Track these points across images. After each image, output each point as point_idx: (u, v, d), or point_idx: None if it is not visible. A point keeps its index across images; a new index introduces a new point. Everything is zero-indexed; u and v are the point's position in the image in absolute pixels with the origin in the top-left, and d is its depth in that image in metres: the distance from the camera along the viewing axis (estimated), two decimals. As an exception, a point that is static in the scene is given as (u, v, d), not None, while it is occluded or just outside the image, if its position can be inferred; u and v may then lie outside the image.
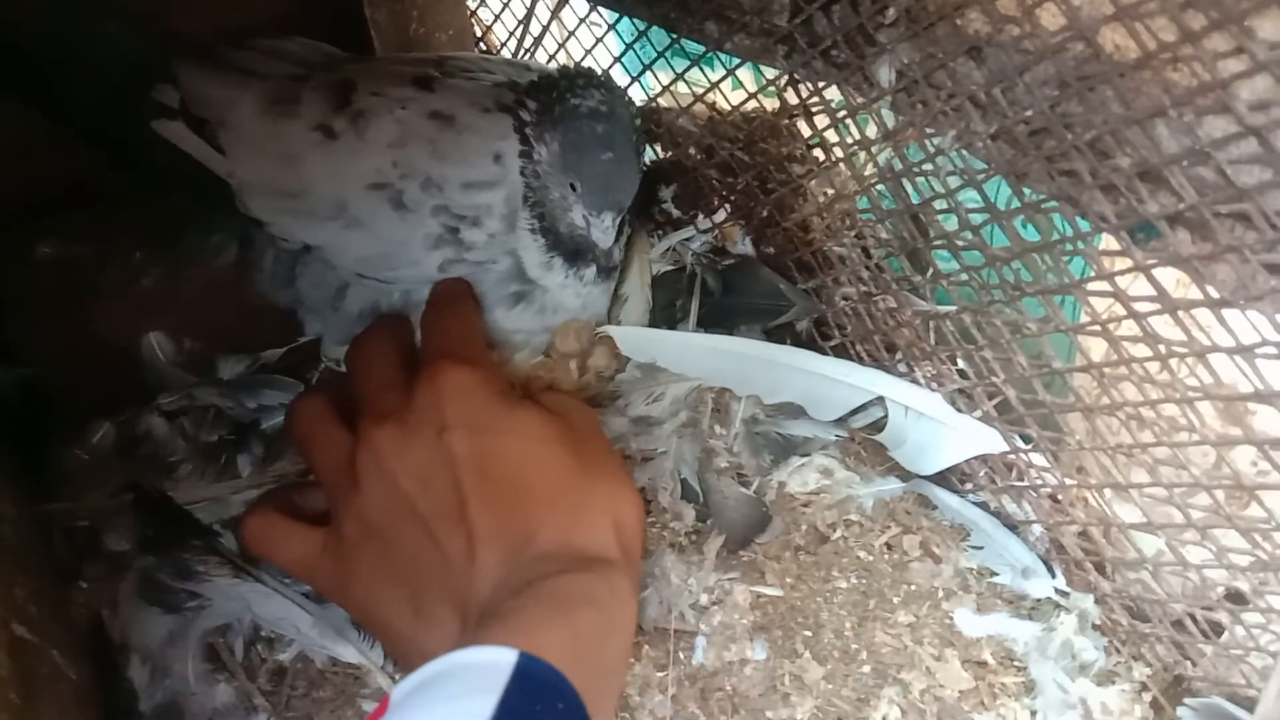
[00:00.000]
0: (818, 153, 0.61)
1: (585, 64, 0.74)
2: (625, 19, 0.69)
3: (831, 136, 0.58)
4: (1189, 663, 0.53)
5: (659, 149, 0.72)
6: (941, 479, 0.61)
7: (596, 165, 0.53)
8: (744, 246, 0.69)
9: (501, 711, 0.34)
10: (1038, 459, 0.56)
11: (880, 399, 0.61)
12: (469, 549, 0.45)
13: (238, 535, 0.55)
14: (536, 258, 0.57)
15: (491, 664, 0.36)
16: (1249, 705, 0.49)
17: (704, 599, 0.56)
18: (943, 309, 0.56)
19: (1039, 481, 0.56)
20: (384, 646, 0.54)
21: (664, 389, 0.64)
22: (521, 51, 0.77)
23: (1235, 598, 0.50)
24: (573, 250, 0.57)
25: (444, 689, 0.36)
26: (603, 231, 0.55)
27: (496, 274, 0.57)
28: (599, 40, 0.73)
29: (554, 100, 0.54)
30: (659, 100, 0.70)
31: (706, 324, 0.67)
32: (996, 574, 0.57)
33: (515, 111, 0.55)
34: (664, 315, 0.68)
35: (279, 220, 0.57)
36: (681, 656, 0.54)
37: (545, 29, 0.76)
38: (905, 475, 0.61)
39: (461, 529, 0.45)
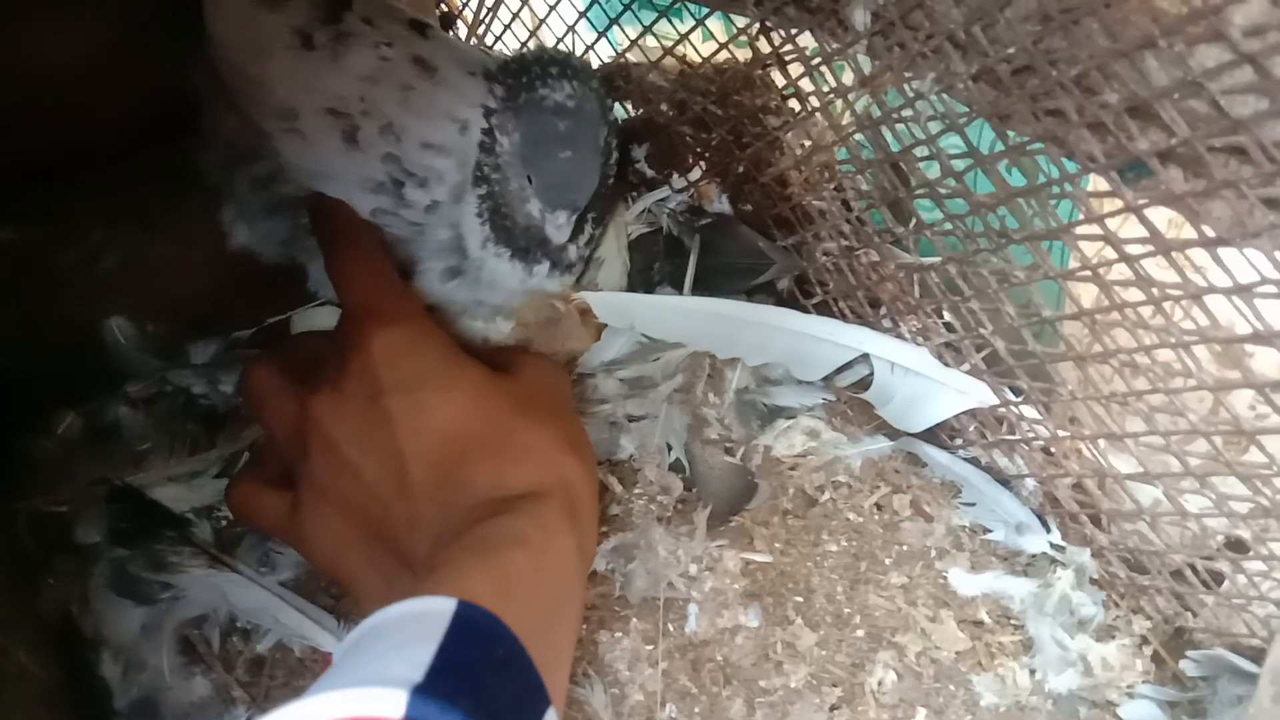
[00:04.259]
0: (793, 103, 0.59)
1: (553, 23, 0.72)
2: (589, -28, 0.66)
3: (806, 85, 0.56)
4: (1190, 614, 0.52)
5: (629, 107, 0.69)
6: (930, 435, 0.59)
7: (554, 163, 0.52)
8: (721, 205, 0.67)
9: (441, 657, 0.33)
10: (1029, 411, 0.55)
11: (865, 356, 0.59)
12: (412, 511, 0.44)
13: (227, 504, 0.56)
14: (478, 239, 0.55)
15: (430, 613, 0.36)
16: (1252, 655, 0.48)
17: (693, 569, 0.55)
18: (927, 260, 0.55)
19: (1031, 434, 0.55)
20: (360, 608, 0.52)
21: (661, 354, 0.62)
22: (484, 9, 0.74)
23: (1236, 546, 0.49)
24: (525, 246, 0.56)
25: (384, 640, 0.35)
26: (556, 228, 0.53)
27: (436, 244, 0.56)
28: (563, -5, 0.70)
29: (521, 87, 0.53)
30: (627, 55, 0.68)
31: (683, 285, 0.65)
32: (990, 531, 0.56)
33: (490, 87, 0.53)
34: (641, 279, 0.66)
35: (236, 82, 0.55)
36: (671, 629, 0.53)
37: (508, -14, 0.74)
38: (893, 433, 0.60)
39: (404, 492, 0.45)
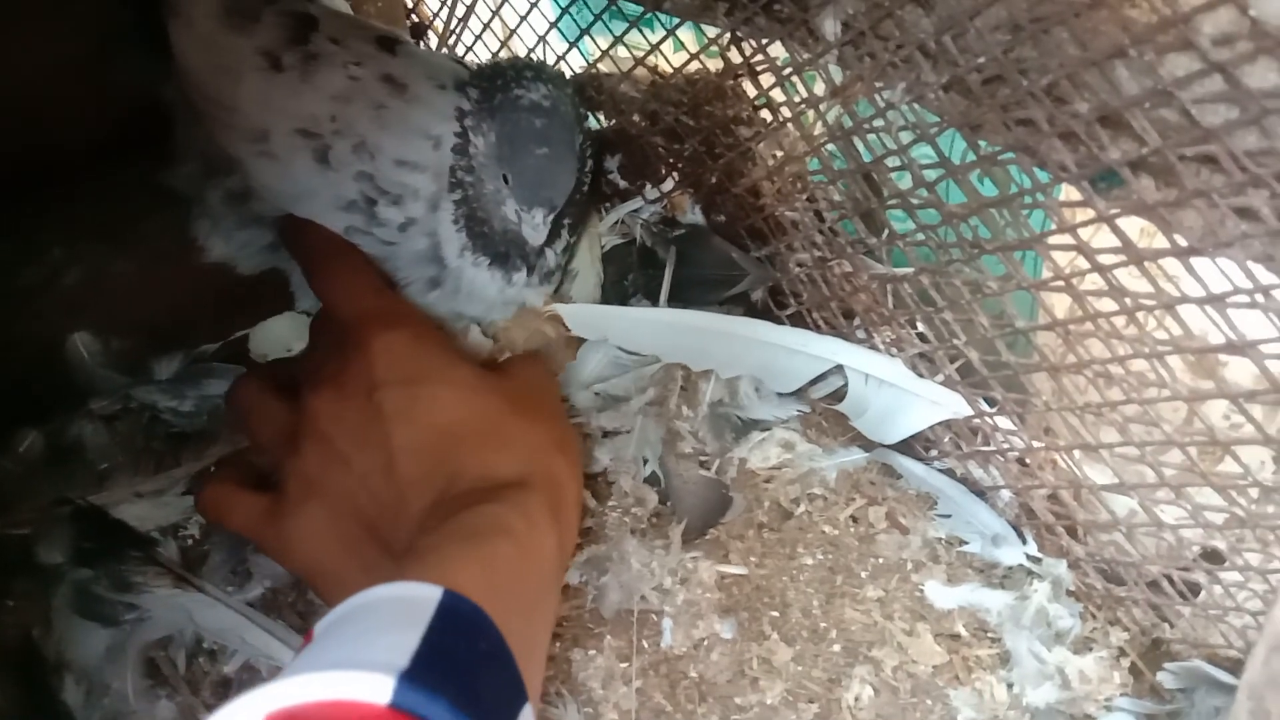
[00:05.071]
0: (765, 113, 0.59)
1: (523, 34, 0.72)
2: (560, -18, 0.66)
3: (778, 96, 0.55)
4: (1166, 625, 0.51)
5: (602, 117, 0.69)
6: (905, 447, 0.59)
7: (530, 160, 0.52)
8: (694, 216, 0.67)
9: (426, 646, 0.33)
10: (1003, 422, 0.54)
11: (839, 367, 0.59)
12: (399, 498, 0.45)
13: (195, 505, 0.56)
14: (455, 246, 0.55)
15: (415, 599, 0.36)
16: (1229, 666, 0.48)
17: (668, 581, 0.54)
18: (900, 271, 0.54)
19: (1006, 445, 0.55)
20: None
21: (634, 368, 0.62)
22: (454, 20, 0.74)
23: (1212, 556, 0.48)
24: (503, 252, 0.56)
25: (367, 621, 0.35)
26: (533, 228, 0.53)
27: (413, 254, 0.55)
28: (534, 5, 0.69)
29: (496, 89, 0.53)
30: (599, 66, 0.67)
31: (657, 297, 0.64)
32: (966, 542, 0.56)
33: (465, 93, 0.53)
34: (614, 290, 0.65)
35: (206, 106, 0.55)
36: (645, 645, 0.52)
37: (479, -4, 0.73)
38: (868, 445, 0.59)
39: (392, 480, 0.45)
